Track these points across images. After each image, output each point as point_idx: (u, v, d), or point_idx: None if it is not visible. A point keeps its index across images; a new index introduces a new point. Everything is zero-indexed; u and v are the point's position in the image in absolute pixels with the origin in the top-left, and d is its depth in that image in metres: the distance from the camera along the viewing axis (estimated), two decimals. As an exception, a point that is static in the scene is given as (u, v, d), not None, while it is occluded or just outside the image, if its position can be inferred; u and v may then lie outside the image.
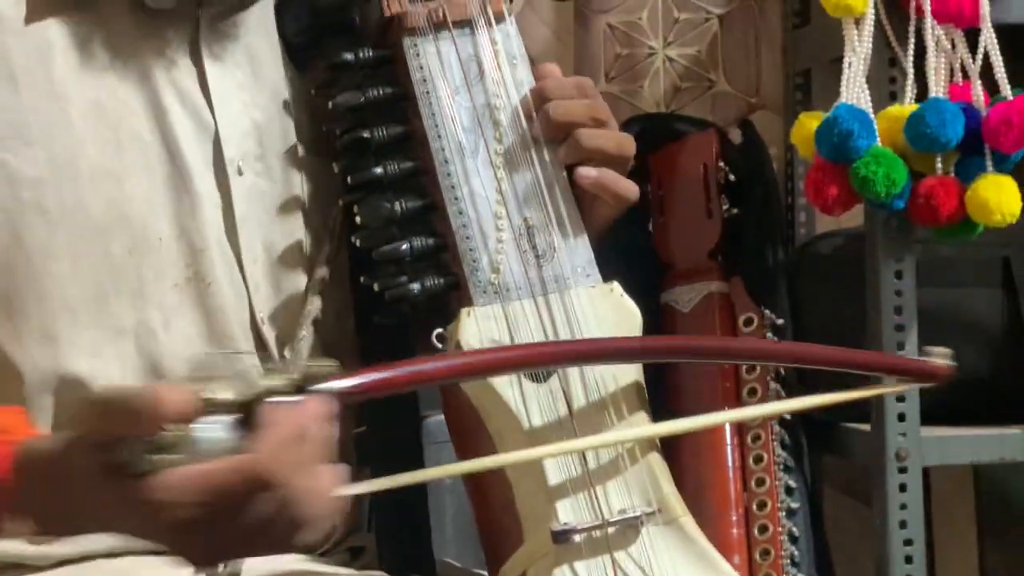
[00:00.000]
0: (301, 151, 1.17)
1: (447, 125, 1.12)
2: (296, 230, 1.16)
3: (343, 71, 1.13)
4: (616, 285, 1.12)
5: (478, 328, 1.08)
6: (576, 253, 1.11)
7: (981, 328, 1.60)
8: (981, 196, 1.42)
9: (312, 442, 0.81)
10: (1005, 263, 1.61)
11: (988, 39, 1.46)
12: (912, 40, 1.47)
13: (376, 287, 1.11)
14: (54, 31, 1.09)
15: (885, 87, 1.49)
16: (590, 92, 1.14)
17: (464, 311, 1.09)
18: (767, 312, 1.58)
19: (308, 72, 1.18)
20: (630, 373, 1.10)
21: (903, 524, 1.50)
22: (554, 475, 1.06)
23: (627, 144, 1.14)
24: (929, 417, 1.51)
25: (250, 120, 1.14)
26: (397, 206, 1.11)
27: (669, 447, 1.14)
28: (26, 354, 1.07)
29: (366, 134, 1.12)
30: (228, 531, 0.80)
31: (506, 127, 1.13)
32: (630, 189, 1.14)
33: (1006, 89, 1.46)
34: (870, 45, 1.46)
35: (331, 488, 0.82)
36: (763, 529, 1.52)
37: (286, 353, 1.12)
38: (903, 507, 1.50)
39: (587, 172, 1.12)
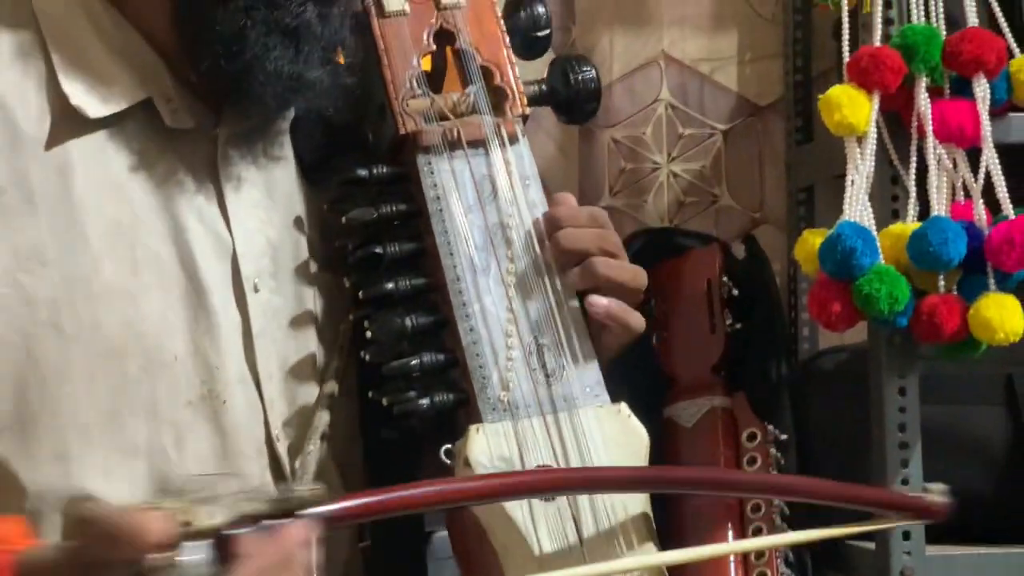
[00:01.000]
0: (314, 267, 1.17)
1: (460, 243, 1.12)
2: (309, 345, 1.16)
3: (357, 187, 1.13)
4: (624, 406, 1.12)
5: (487, 444, 1.08)
6: (585, 373, 1.12)
7: (985, 446, 1.59)
8: (984, 315, 1.42)
9: (294, 570, 0.82)
10: (1008, 381, 1.61)
11: (989, 158, 1.47)
12: (914, 159, 1.48)
13: (384, 402, 1.10)
14: (76, 150, 1.10)
15: (887, 205, 1.50)
16: (603, 223, 1.15)
17: (473, 427, 1.08)
18: (770, 427, 1.58)
19: (321, 189, 1.18)
20: (639, 502, 1.09)
21: (909, 643, 1.49)
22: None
23: (641, 277, 1.15)
24: (935, 536, 1.50)
25: (265, 238, 1.15)
26: (408, 321, 1.11)
27: (673, 568, 1.13)
28: (37, 473, 1.07)
29: (379, 249, 1.12)
30: None
31: (518, 247, 1.13)
32: (639, 322, 1.14)
33: (1008, 208, 1.46)
34: (872, 163, 1.47)
35: None
36: (769, 648, 1.51)
37: (297, 465, 1.12)
38: (909, 626, 1.49)
39: (598, 301, 1.12)
